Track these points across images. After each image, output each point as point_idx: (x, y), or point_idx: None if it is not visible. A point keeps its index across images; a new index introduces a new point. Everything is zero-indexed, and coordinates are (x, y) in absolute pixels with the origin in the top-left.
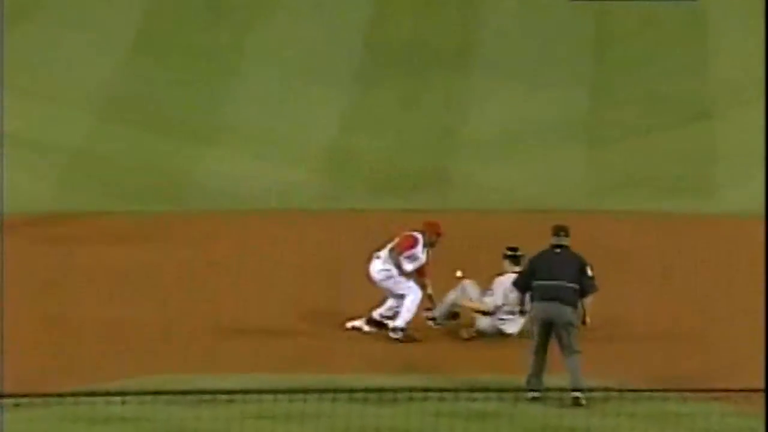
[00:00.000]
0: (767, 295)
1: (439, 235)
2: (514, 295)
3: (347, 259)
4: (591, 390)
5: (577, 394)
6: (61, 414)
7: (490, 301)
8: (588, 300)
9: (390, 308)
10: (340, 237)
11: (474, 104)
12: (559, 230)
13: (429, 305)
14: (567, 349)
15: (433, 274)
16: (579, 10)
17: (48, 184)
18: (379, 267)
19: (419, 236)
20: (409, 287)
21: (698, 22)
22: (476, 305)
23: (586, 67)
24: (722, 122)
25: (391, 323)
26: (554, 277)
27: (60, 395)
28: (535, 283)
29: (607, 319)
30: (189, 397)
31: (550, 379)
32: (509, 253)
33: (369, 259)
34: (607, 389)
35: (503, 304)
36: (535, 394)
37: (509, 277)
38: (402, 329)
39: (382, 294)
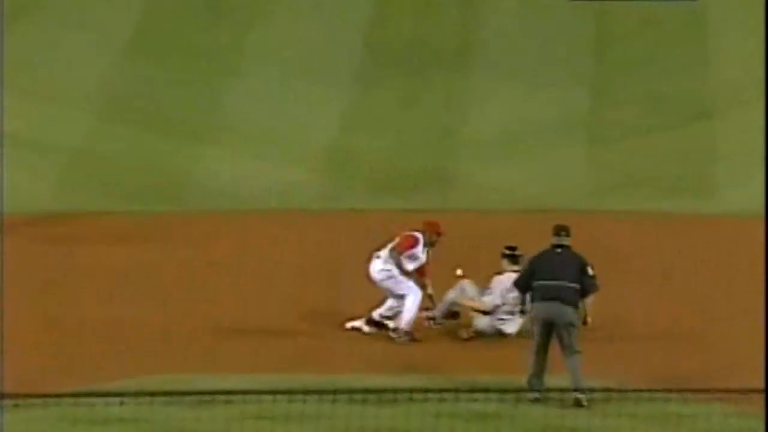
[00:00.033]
0: (767, 295)
1: (439, 234)
2: (512, 295)
3: (347, 259)
4: (592, 390)
5: (579, 394)
6: (59, 415)
7: (488, 301)
8: (589, 300)
9: (390, 308)
10: (340, 237)
11: (474, 104)
12: (560, 230)
13: (429, 305)
14: (568, 349)
15: (433, 274)
16: (579, 10)
17: (48, 184)
18: (379, 267)
19: (419, 236)
20: (409, 288)
21: (698, 21)
22: (476, 304)
23: (586, 67)
24: (722, 122)
25: (391, 324)
26: (555, 277)
27: (58, 396)
28: (536, 283)
29: (607, 319)
30: (188, 398)
31: (551, 380)
32: (507, 252)
33: (369, 259)
34: (608, 390)
35: (502, 304)
36: (536, 395)
37: (507, 276)
38: (405, 331)
39: (381, 294)
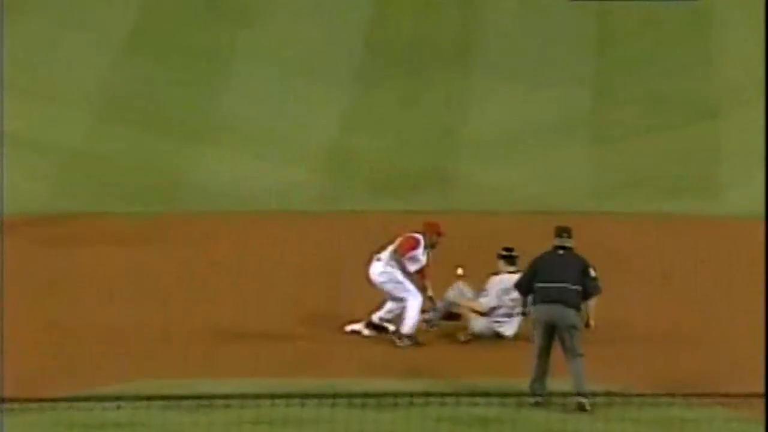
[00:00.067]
0: (767, 296)
1: (439, 235)
2: (508, 297)
3: (347, 259)
4: (595, 395)
5: (581, 398)
6: (55, 419)
7: (484, 302)
8: (591, 302)
9: (389, 311)
10: (340, 237)
11: (474, 104)
12: (562, 231)
13: (429, 307)
14: (570, 352)
15: (434, 275)
16: (580, 10)
17: (47, 185)
18: (380, 270)
19: (420, 237)
20: (410, 291)
21: (701, 20)
22: (473, 305)
23: (587, 67)
24: (726, 122)
25: (391, 327)
26: (557, 278)
27: (54, 400)
28: (538, 285)
29: (611, 321)
30: (185, 402)
31: (554, 383)
32: (504, 253)
33: (369, 261)
34: (611, 394)
35: (498, 306)
36: (538, 399)
37: (504, 278)
38: (408, 336)
39: (381, 296)
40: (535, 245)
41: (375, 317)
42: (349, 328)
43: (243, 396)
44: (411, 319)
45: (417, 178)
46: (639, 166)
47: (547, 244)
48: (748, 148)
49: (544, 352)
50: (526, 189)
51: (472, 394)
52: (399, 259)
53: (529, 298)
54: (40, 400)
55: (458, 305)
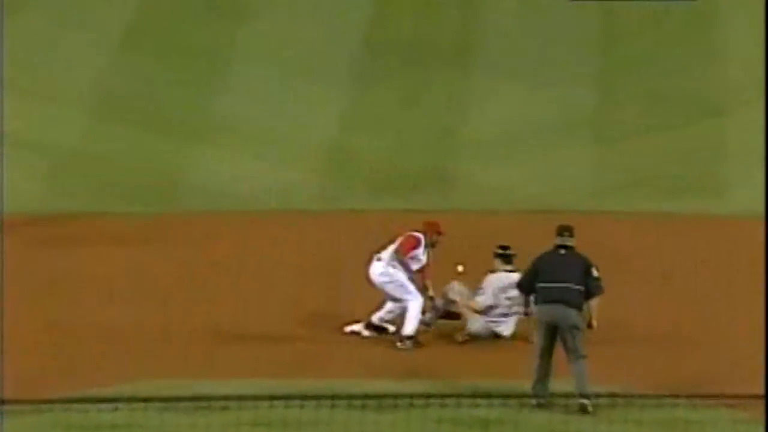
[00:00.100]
0: (767, 296)
1: (440, 234)
2: (504, 295)
3: (347, 259)
4: (598, 396)
5: (584, 400)
6: (52, 421)
7: (481, 301)
8: (593, 302)
9: (389, 311)
10: (340, 237)
11: (474, 104)
12: (564, 231)
13: (429, 306)
14: (572, 353)
15: (434, 274)
16: (582, 9)
17: (47, 185)
18: (380, 270)
19: (421, 237)
20: (411, 293)
21: (705, 19)
22: (471, 303)
23: (590, 66)
24: (729, 121)
25: (391, 328)
26: (559, 278)
27: (50, 401)
28: (539, 285)
29: (611, 321)
30: (183, 404)
31: (556, 385)
32: (500, 251)
33: (369, 261)
34: (614, 395)
35: (494, 304)
36: (540, 401)
37: (500, 276)
38: (410, 337)
39: (381, 296)
40: (535, 245)
41: (374, 318)
42: (348, 328)
43: (241, 397)
44: (412, 321)
45: (417, 178)
46: (640, 165)
47: (548, 243)
48: (751, 147)
49: (546, 353)
50: (527, 188)
51: (473, 396)
52: (401, 259)
53: (531, 298)
54: (36, 401)
55: (456, 303)
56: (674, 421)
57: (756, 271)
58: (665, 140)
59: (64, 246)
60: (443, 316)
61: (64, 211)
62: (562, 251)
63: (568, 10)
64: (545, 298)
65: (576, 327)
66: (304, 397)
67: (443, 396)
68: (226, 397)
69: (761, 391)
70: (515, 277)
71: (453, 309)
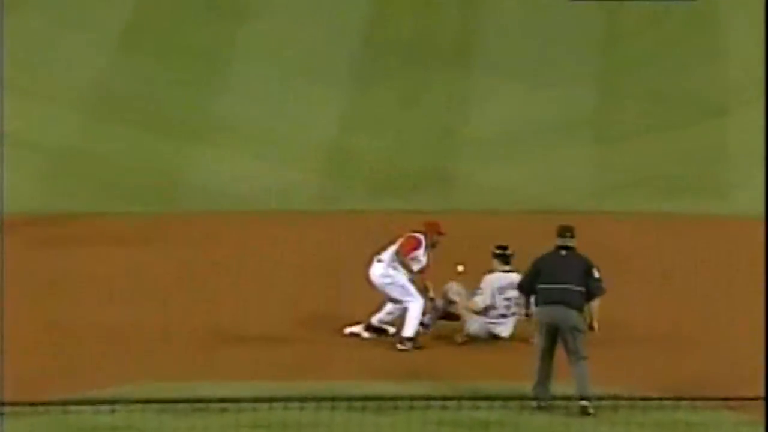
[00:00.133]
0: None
1: (440, 234)
2: (502, 296)
3: (347, 260)
4: (599, 398)
5: (585, 402)
6: (49, 423)
7: (479, 301)
8: (594, 303)
9: (389, 313)
10: (340, 238)
11: (475, 104)
12: (565, 231)
13: (430, 307)
14: (573, 354)
15: (434, 275)
16: (583, 8)
17: (47, 185)
18: (381, 272)
19: (421, 238)
20: (411, 294)
21: (706, 19)
22: (470, 304)
23: (589, 66)
24: (731, 121)
25: (391, 329)
26: (560, 280)
27: (48, 404)
28: (540, 286)
29: (610, 322)
30: (181, 406)
31: (557, 387)
32: (498, 251)
33: (369, 262)
34: (616, 397)
35: (492, 305)
36: (541, 403)
37: (498, 276)
38: (410, 339)
39: (382, 297)
40: (536, 245)
41: (374, 320)
42: (348, 330)
43: (239, 399)
44: (413, 323)
45: (417, 178)
46: (641, 165)
47: (549, 243)
48: (752, 147)
49: (547, 355)
50: (527, 189)
51: (474, 398)
52: (403, 260)
53: (531, 299)
54: (34, 404)
55: (456, 304)
56: (676, 423)
57: (756, 272)
58: (665, 140)
59: (64, 246)
60: (443, 317)
61: (64, 211)
62: (563, 252)
63: (568, 10)
64: (546, 300)
65: (577, 328)
66: (303, 399)
67: (444, 398)
68: (224, 399)
69: (762, 392)
70: (513, 277)
71: (452, 310)
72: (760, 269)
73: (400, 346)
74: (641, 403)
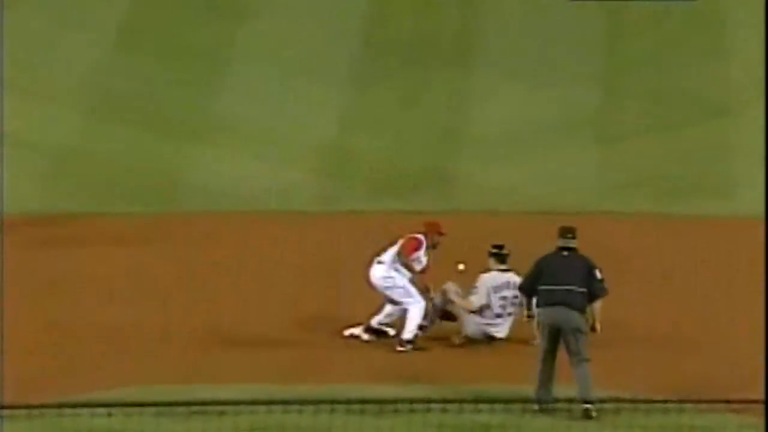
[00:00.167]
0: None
1: (441, 234)
2: (497, 295)
3: (347, 260)
4: (602, 401)
5: (588, 405)
6: (43, 426)
7: (475, 299)
8: (597, 305)
9: (388, 315)
10: (340, 238)
11: (475, 104)
12: (567, 232)
13: (430, 308)
14: (576, 357)
15: (435, 275)
16: (584, 8)
17: (47, 185)
18: (382, 274)
19: (422, 238)
20: (413, 296)
21: (707, 18)
22: (465, 303)
23: (591, 66)
24: (733, 121)
25: (391, 331)
26: (562, 281)
27: (43, 407)
28: (542, 287)
29: (610, 322)
30: (179, 409)
31: (559, 389)
32: (494, 250)
33: (370, 263)
34: (618, 400)
35: (488, 304)
36: (543, 405)
37: (494, 275)
38: (410, 341)
39: (381, 298)
40: (536, 245)
41: (374, 321)
42: (347, 332)
43: (237, 402)
44: (413, 324)
45: (417, 178)
46: (642, 166)
47: (549, 244)
48: (753, 147)
49: (549, 357)
50: (528, 189)
51: (475, 401)
52: (405, 261)
53: (533, 300)
54: (29, 407)
55: (452, 302)
56: (680, 427)
57: (756, 272)
58: (666, 140)
59: (64, 246)
60: (442, 317)
61: (64, 211)
62: (565, 253)
63: (568, 10)
64: (548, 301)
65: (579, 330)
66: (302, 402)
67: (445, 401)
68: (222, 402)
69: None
70: (509, 276)
71: (451, 309)
72: (761, 269)
73: (399, 348)
74: (644, 405)
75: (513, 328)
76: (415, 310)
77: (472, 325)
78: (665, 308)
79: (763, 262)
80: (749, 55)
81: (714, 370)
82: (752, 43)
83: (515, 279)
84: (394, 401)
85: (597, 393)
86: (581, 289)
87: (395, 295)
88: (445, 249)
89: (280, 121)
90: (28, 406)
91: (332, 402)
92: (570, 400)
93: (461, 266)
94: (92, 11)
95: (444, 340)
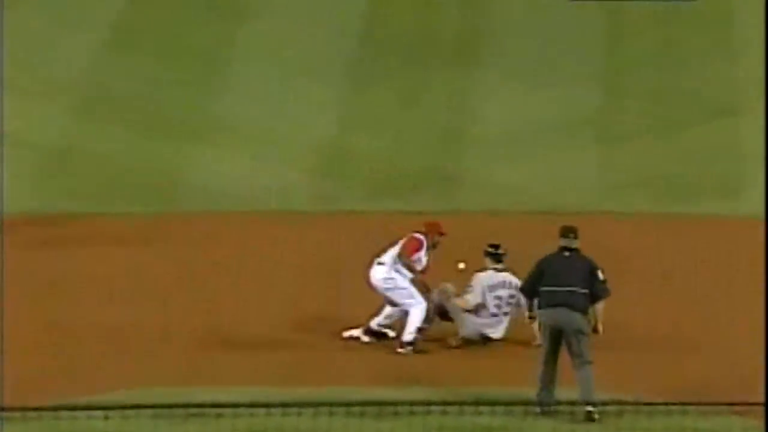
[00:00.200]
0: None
1: (442, 235)
2: (493, 294)
3: (347, 260)
4: (604, 403)
5: (590, 408)
6: (40, 428)
7: (470, 299)
8: (599, 306)
9: (388, 316)
10: (340, 238)
11: (475, 104)
12: (568, 232)
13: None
14: (578, 358)
15: (434, 276)
16: (584, 8)
17: (47, 185)
18: (383, 275)
19: (423, 239)
20: (414, 298)
21: (708, 18)
22: (461, 302)
23: (592, 66)
24: (735, 121)
25: (391, 333)
26: (563, 282)
27: (39, 409)
28: (543, 288)
29: (610, 323)
30: (176, 411)
31: (561, 392)
32: (490, 250)
33: (370, 264)
34: (621, 403)
35: (483, 304)
36: (545, 408)
37: (489, 274)
38: (410, 343)
39: (381, 299)
40: (537, 245)
41: (373, 323)
42: (347, 334)
43: (236, 405)
44: (413, 326)
45: (417, 178)
46: (643, 166)
47: (550, 244)
48: (754, 147)
49: (551, 359)
50: (528, 189)
51: (476, 403)
52: (407, 261)
53: (534, 301)
54: (24, 409)
55: (449, 302)
56: (683, 429)
57: (756, 272)
58: (667, 140)
59: (64, 246)
60: (441, 316)
61: (64, 211)
62: (567, 253)
63: (568, 10)
64: (549, 302)
65: (581, 331)
66: (301, 405)
67: (445, 403)
68: (220, 405)
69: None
70: (504, 276)
71: (447, 309)
72: (761, 269)
73: (400, 350)
74: (646, 408)
75: (513, 330)
76: (417, 311)
77: (468, 325)
78: (665, 308)
79: (764, 262)
80: (749, 55)
81: (715, 371)
82: (752, 43)
83: (511, 279)
84: (394, 403)
85: (599, 395)
86: (583, 290)
87: (397, 296)
88: (446, 249)
89: (280, 121)
90: (24, 409)
91: (331, 404)
92: (572, 403)
93: (462, 265)
94: (92, 11)
95: (443, 341)
